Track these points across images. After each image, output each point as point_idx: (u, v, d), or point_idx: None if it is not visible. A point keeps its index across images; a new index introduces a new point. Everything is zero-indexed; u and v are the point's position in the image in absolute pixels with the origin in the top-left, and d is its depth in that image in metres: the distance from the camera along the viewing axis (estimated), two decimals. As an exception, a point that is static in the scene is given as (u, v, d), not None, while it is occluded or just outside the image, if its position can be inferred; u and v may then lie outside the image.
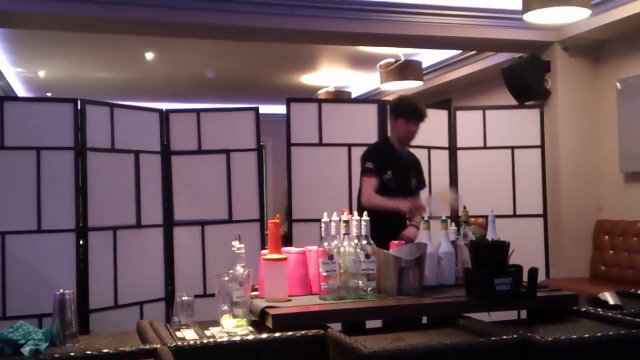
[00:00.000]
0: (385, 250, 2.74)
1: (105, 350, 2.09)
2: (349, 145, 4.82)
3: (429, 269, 2.83)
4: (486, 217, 3.06)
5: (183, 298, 2.56)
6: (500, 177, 5.16)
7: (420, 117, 3.75)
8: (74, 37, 5.94)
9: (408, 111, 3.75)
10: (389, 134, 4.02)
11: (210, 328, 2.46)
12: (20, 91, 8.27)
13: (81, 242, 4.09)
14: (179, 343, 2.21)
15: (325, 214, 2.70)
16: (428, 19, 5.39)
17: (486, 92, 7.04)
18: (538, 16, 4.24)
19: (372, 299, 2.65)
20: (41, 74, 7.53)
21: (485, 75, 6.87)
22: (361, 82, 8.45)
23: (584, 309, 2.73)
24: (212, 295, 2.51)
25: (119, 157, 4.33)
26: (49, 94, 8.28)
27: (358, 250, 2.64)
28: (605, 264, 5.49)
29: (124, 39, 6.00)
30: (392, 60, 6.64)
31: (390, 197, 3.48)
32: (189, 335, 2.38)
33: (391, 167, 3.70)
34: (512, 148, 5.20)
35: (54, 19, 4.88)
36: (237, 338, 2.29)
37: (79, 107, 4.13)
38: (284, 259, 2.65)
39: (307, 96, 7.88)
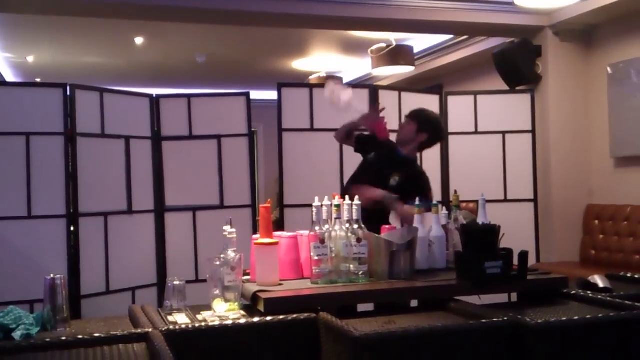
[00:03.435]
0: (377, 235, 2.75)
1: (96, 335, 2.09)
2: (341, 131, 4.82)
3: (420, 253, 2.84)
4: (477, 201, 3.06)
5: (175, 283, 2.56)
6: (491, 162, 5.18)
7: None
8: (63, 21, 5.89)
9: (437, 137, 3.66)
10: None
11: (202, 312, 2.46)
12: (9, 76, 8.21)
13: (72, 228, 4.08)
14: (171, 327, 2.21)
15: (316, 198, 2.70)
16: (420, 3, 5.38)
17: (477, 77, 7.04)
18: (529, 1, 4.24)
19: (364, 283, 2.66)
20: (30, 59, 7.47)
21: (476, 60, 6.86)
22: (353, 67, 8.42)
23: (573, 292, 2.75)
24: (204, 280, 2.51)
25: (110, 143, 4.30)
26: (38, 79, 8.22)
27: (349, 234, 2.65)
28: (595, 248, 5.53)
29: (114, 23, 5.95)
30: (384, 45, 6.62)
31: (367, 177, 3.44)
32: (181, 319, 2.38)
33: (375, 150, 3.63)
34: (503, 133, 5.21)
35: (43, 3, 4.84)
36: (229, 322, 2.30)
37: (68, 93, 4.10)
38: (276, 243, 2.65)
39: (299, 81, 7.86)
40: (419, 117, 3.58)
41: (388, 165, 3.50)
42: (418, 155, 3.76)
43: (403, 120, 3.71)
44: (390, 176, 3.43)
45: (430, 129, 3.55)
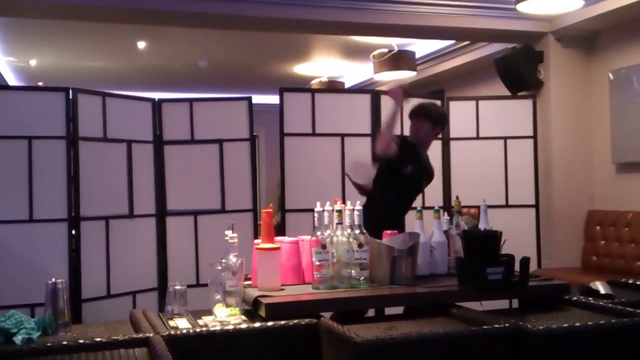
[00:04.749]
0: (378, 240, 2.75)
1: (98, 339, 2.09)
2: (342, 136, 4.83)
3: (421, 259, 2.84)
4: (478, 207, 3.07)
5: (176, 287, 2.56)
6: (492, 167, 5.18)
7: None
8: (65, 25, 5.90)
9: (445, 125, 3.94)
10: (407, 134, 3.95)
11: (203, 317, 2.46)
12: (12, 80, 8.22)
13: (73, 231, 4.08)
14: (172, 332, 2.21)
15: (318, 203, 2.70)
16: (422, 8, 5.39)
17: (479, 82, 7.05)
18: (531, 6, 4.25)
19: (365, 288, 2.65)
20: (32, 63, 7.48)
21: (478, 65, 6.87)
22: (354, 72, 8.43)
23: (575, 298, 2.75)
24: (205, 285, 2.51)
25: (112, 147, 4.31)
26: (40, 83, 8.23)
27: (351, 239, 2.65)
28: (597, 254, 5.52)
29: (116, 27, 5.96)
30: (386, 50, 6.62)
31: (405, 191, 3.77)
32: (182, 324, 2.38)
33: (412, 163, 3.73)
34: (505, 138, 5.21)
35: (45, 7, 4.85)
36: (230, 327, 2.30)
37: (70, 96, 4.11)
38: (277, 248, 2.65)
39: (301, 86, 7.87)
40: (426, 113, 3.77)
41: (421, 176, 3.84)
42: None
43: (409, 120, 3.83)
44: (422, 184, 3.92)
45: (442, 120, 3.83)
